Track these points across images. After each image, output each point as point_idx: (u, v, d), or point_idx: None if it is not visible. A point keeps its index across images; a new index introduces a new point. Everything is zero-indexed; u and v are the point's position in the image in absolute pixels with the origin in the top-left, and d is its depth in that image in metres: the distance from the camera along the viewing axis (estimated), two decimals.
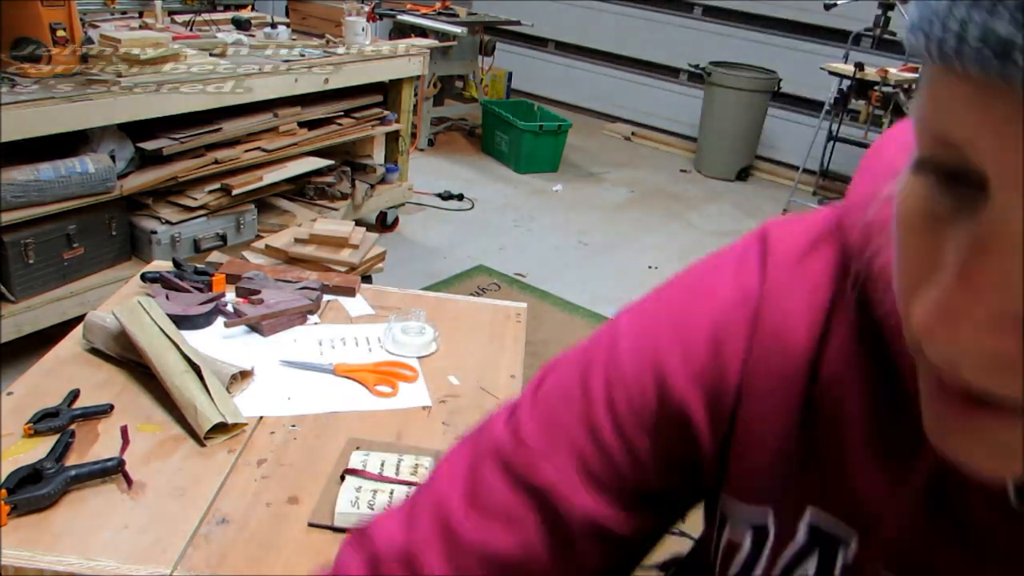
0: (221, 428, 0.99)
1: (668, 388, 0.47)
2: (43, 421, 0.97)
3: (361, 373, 1.16)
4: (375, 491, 0.88)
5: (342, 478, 0.90)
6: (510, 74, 5.82)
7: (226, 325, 1.22)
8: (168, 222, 2.64)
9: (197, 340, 1.16)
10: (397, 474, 0.91)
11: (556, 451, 0.49)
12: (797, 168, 4.62)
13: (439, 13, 4.67)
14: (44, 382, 1.06)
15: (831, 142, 4.33)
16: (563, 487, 0.48)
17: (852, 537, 0.44)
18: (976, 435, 0.32)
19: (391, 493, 0.88)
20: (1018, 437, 0.31)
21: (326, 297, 1.37)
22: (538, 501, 0.48)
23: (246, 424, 1.01)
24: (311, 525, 0.87)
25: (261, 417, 1.05)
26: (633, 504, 0.49)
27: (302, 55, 3.01)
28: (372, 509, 0.85)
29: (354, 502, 0.86)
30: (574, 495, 0.48)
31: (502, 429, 0.52)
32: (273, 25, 3.45)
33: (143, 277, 1.33)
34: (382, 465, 0.92)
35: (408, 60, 3.38)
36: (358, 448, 0.96)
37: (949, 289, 0.29)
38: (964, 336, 0.29)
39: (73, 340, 1.16)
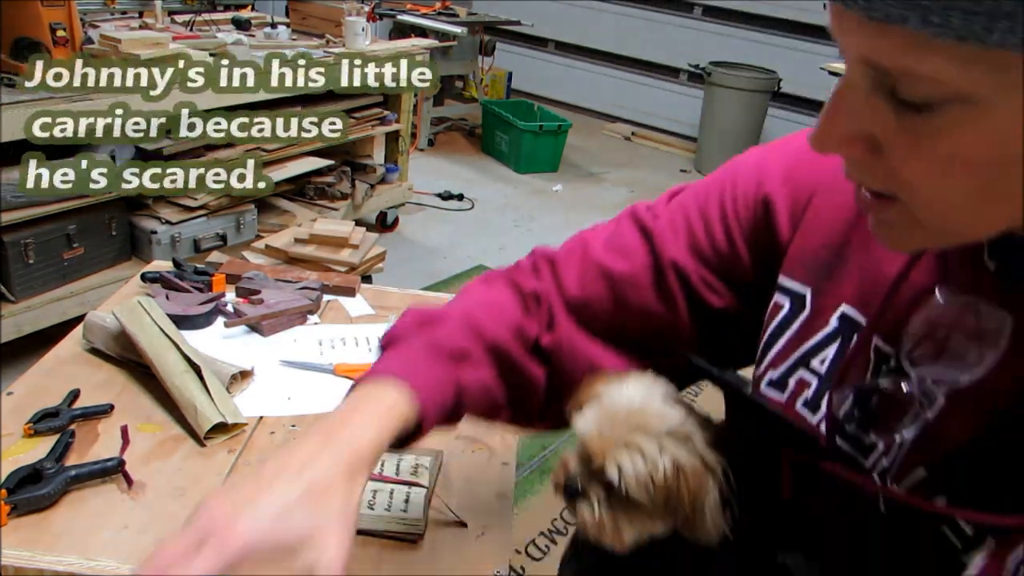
0: (221, 428, 0.99)
1: (764, 186, 0.67)
2: (43, 421, 0.97)
3: (361, 373, 1.16)
4: (375, 491, 0.88)
5: None
6: (510, 74, 5.82)
7: (226, 325, 1.22)
8: (168, 222, 2.64)
9: (197, 340, 1.16)
10: (397, 473, 0.91)
11: (674, 222, 0.71)
12: None
13: (439, 13, 4.67)
14: (44, 382, 1.06)
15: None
16: (668, 240, 0.71)
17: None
18: (877, 219, 0.49)
19: (391, 492, 0.88)
20: (896, 216, 0.47)
21: (326, 297, 1.37)
22: (649, 243, 0.71)
23: (246, 424, 1.01)
24: None
25: (261, 417, 1.05)
26: (714, 275, 0.70)
27: (302, 55, 3.00)
28: (372, 509, 0.85)
29: None
30: (674, 248, 0.70)
31: (642, 208, 0.75)
32: (273, 25, 3.45)
33: (143, 277, 1.33)
34: (382, 465, 0.92)
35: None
36: None
37: (822, 120, 0.47)
38: (825, 147, 0.47)
39: (73, 340, 1.16)
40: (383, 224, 3.65)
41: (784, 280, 0.65)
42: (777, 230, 0.66)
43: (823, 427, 0.59)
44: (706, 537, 0.61)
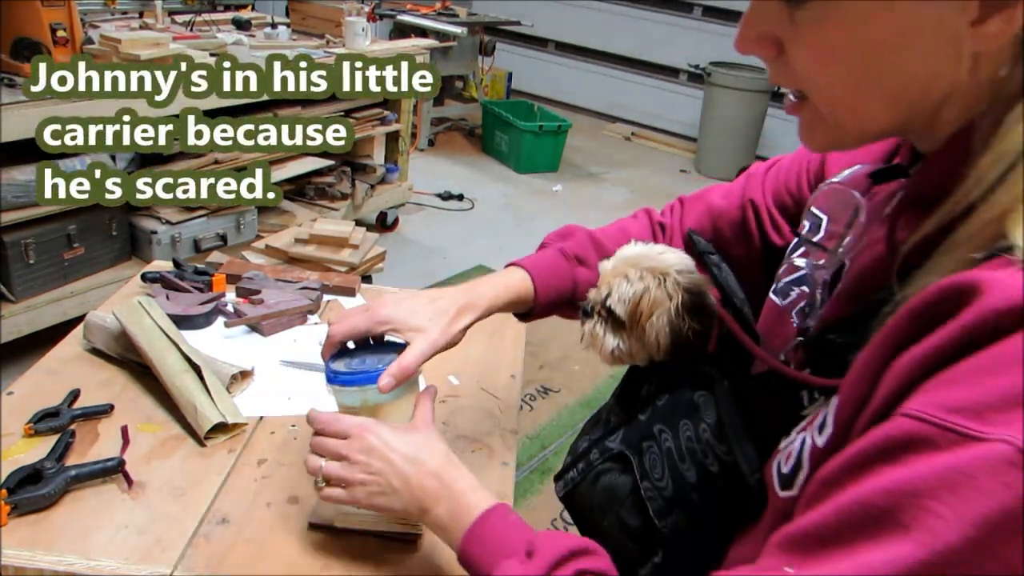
0: (221, 428, 0.99)
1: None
2: (43, 421, 0.97)
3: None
4: None
5: None
6: (510, 74, 5.82)
7: (226, 325, 1.23)
8: (168, 222, 2.64)
9: (197, 340, 1.16)
10: None
11: (767, 170, 0.93)
12: None
13: (439, 13, 4.67)
14: (44, 382, 1.06)
15: None
16: (755, 183, 0.93)
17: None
18: (800, 123, 0.60)
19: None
20: (807, 114, 0.59)
21: (326, 297, 1.38)
22: (744, 185, 0.94)
23: (246, 424, 1.01)
24: (311, 525, 0.87)
25: (261, 417, 1.05)
26: (782, 216, 0.90)
27: (303, 57, 3.00)
28: (357, 508, 0.84)
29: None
30: (757, 190, 0.92)
31: (755, 164, 0.96)
32: (273, 25, 3.45)
33: (143, 277, 1.33)
34: None
35: None
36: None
37: (740, 26, 0.57)
38: (744, 48, 0.58)
39: (73, 340, 1.16)
40: (383, 224, 3.65)
41: (811, 207, 0.78)
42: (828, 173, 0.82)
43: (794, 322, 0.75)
44: (651, 351, 0.82)
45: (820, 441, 0.55)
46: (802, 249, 0.75)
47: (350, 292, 1.39)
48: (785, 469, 0.59)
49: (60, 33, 2.32)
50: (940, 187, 0.54)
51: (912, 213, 0.60)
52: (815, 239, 0.71)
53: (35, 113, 2.13)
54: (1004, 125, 0.50)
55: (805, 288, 0.73)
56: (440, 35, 4.41)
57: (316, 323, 1.30)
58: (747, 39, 0.58)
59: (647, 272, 0.81)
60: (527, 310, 0.94)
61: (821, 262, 0.70)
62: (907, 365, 0.48)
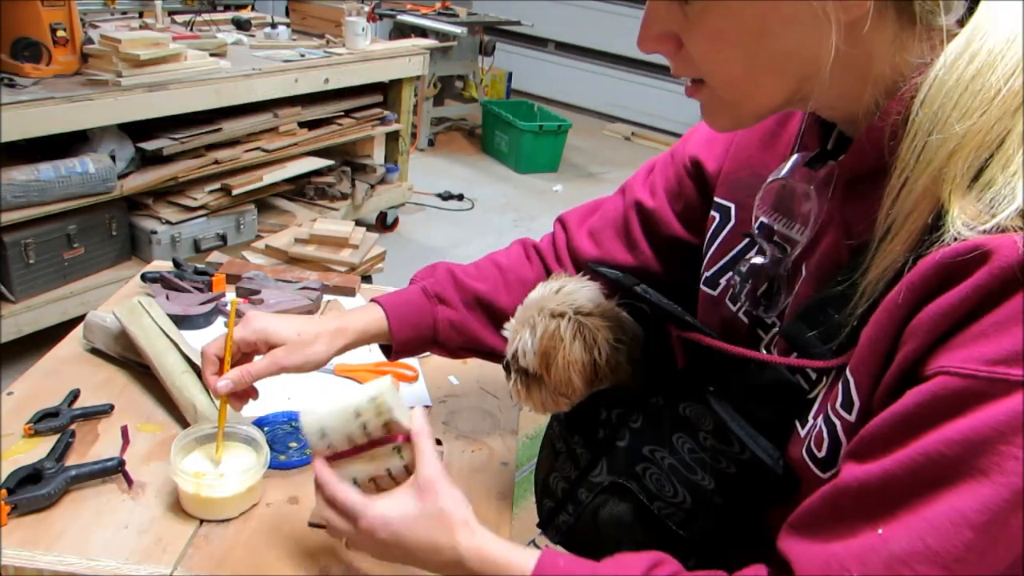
0: None
1: (688, 146, 0.90)
2: (43, 421, 0.97)
3: (361, 373, 1.16)
4: (354, 479, 0.84)
5: None
6: (510, 74, 5.82)
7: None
8: (168, 222, 2.64)
9: (197, 340, 1.16)
10: (370, 438, 0.83)
11: (642, 175, 0.96)
12: None
13: (439, 13, 4.67)
14: (44, 382, 1.06)
15: None
16: (636, 187, 0.95)
17: (787, 226, 0.72)
18: (702, 107, 0.66)
19: (374, 469, 0.84)
20: (706, 98, 0.65)
21: (326, 297, 1.37)
22: (622, 194, 0.97)
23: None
24: (311, 525, 0.86)
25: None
26: (669, 208, 0.92)
27: (302, 55, 3.01)
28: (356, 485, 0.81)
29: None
30: (639, 191, 0.94)
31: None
32: (273, 25, 3.45)
33: (143, 277, 1.33)
34: (346, 436, 0.84)
35: (408, 60, 3.38)
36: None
37: (640, 27, 0.63)
38: (646, 47, 0.64)
39: (73, 340, 1.16)
40: (383, 224, 3.65)
41: (717, 199, 0.84)
42: (706, 169, 0.87)
43: (741, 315, 0.78)
44: (569, 394, 0.80)
45: (851, 417, 0.59)
46: (757, 246, 0.76)
47: (350, 292, 1.39)
48: (821, 453, 0.62)
49: (60, 33, 2.32)
50: (872, 164, 0.61)
51: (851, 191, 0.66)
52: (776, 236, 0.73)
53: (35, 113, 2.13)
54: (912, 108, 0.56)
55: (735, 276, 0.77)
56: (440, 35, 4.41)
57: None
58: (648, 39, 0.63)
59: (548, 316, 0.80)
60: (388, 344, 0.96)
61: (783, 255, 0.72)
62: (927, 323, 0.52)
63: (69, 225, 2.39)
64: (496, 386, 1.17)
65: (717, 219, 0.83)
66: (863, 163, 0.63)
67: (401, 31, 4.52)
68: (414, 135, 4.57)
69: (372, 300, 0.96)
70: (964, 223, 0.52)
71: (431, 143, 4.92)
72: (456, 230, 3.82)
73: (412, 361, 1.21)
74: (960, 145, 0.53)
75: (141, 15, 3.25)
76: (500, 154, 4.84)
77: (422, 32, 4.39)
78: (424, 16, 4.55)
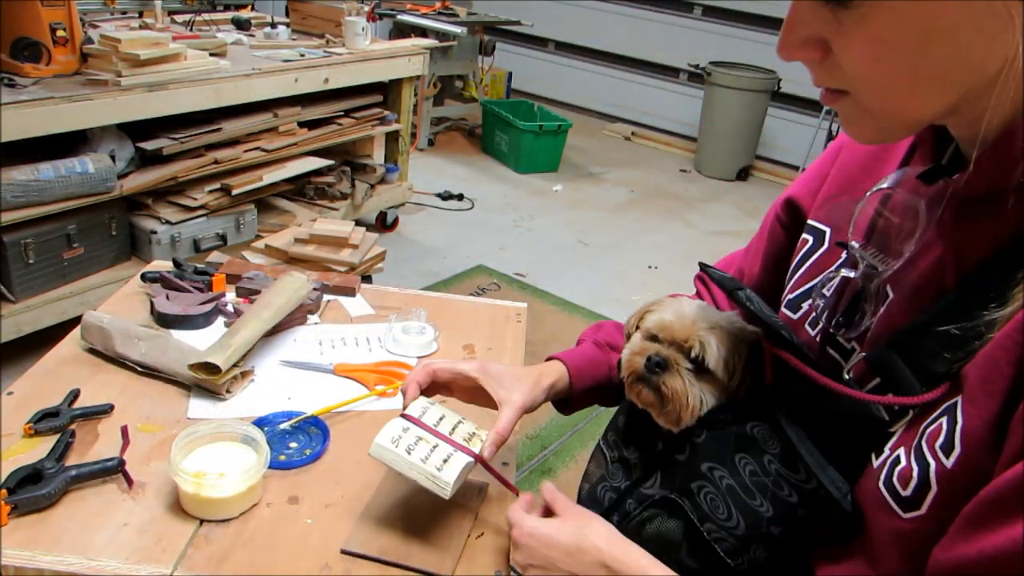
0: (216, 372, 1.03)
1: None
2: (43, 421, 0.97)
3: (361, 373, 1.16)
4: (419, 438, 0.84)
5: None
6: (510, 74, 5.82)
7: (226, 325, 1.22)
8: (168, 222, 2.64)
9: (197, 340, 1.16)
10: (451, 434, 0.87)
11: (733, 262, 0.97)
12: (797, 168, 4.61)
13: (439, 13, 4.67)
14: (44, 382, 1.06)
15: (831, 142, 4.33)
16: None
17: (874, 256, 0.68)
18: (842, 118, 0.61)
19: (434, 447, 0.84)
20: (850, 108, 0.59)
21: (326, 297, 1.37)
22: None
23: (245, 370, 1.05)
24: (344, 552, 0.84)
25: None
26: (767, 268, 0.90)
27: (302, 55, 3.01)
28: (409, 454, 0.82)
29: (395, 440, 0.83)
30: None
31: None
32: (273, 25, 3.45)
33: (143, 277, 1.33)
34: (440, 419, 0.89)
35: (408, 60, 3.38)
36: (424, 395, 0.93)
37: (782, 32, 0.58)
38: (789, 54, 0.59)
39: (73, 340, 1.16)
40: (383, 224, 3.65)
41: (811, 221, 0.80)
42: (801, 204, 0.85)
43: (818, 338, 0.74)
44: (727, 395, 0.79)
45: (948, 463, 0.55)
46: (844, 257, 0.73)
47: (350, 292, 1.39)
48: (906, 492, 0.58)
49: (60, 33, 2.32)
50: (992, 185, 0.56)
51: (965, 212, 0.60)
52: (871, 251, 0.68)
53: (35, 113, 2.13)
54: None
55: (820, 299, 0.74)
56: (440, 35, 4.41)
57: (316, 323, 1.29)
58: (792, 44, 0.58)
59: (720, 330, 0.80)
60: (567, 398, 0.98)
61: (880, 269, 0.67)
62: None
63: (69, 225, 2.39)
64: None
65: (810, 242, 0.79)
66: (989, 180, 0.58)
67: (401, 31, 4.52)
68: (414, 135, 4.57)
69: (551, 358, 0.99)
70: None
71: (431, 143, 4.92)
72: (456, 230, 3.82)
73: (412, 360, 1.21)
74: None
75: (141, 15, 3.25)
76: (500, 154, 4.84)
77: (422, 32, 4.39)
78: (424, 16, 4.55)
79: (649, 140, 5.69)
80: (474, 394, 0.93)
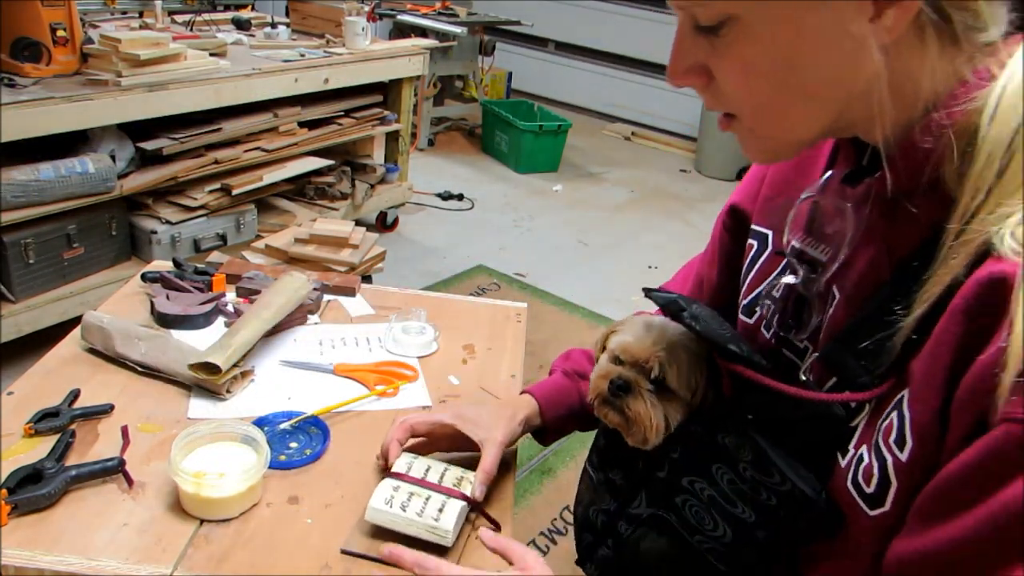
0: (216, 372, 1.03)
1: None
2: (43, 421, 0.97)
3: (361, 373, 1.16)
4: (411, 493, 0.86)
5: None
6: (510, 74, 5.82)
7: (227, 325, 1.22)
8: (168, 222, 2.64)
9: (197, 340, 1.16)
10: (440, 482, 0.89)
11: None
12: None
13: (439, 13, 4.67)
14: (44, 382, 1.06)
15: None
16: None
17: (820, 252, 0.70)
18: (738, 140, 0.64)
19: (427, 499, 0.86)
20: (740, 130, 0.63)
21: (326, 297, 1.37)
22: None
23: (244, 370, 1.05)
24: (344, 552, 0.84)
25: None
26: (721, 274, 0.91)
27: (302, 55, 3.01)
28: (404, 511, 0.84)
29: (388, 500, 0.85)
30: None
31: None
32: (273, 25, 3.45)
33: (143, 277, 1.33)
34: (427, 471, 0.91)
35: (408, 60, 3.38)
36: (407, 451, 0.94)
37: (669, 61, 0.61)
38: (676, 81, 0.62)
39: (73, 340, 1.16)
40: (383, 224, 3.65)
41: (754, 226, 0.83)
42: (743, 209, 0.87)
43: (772, 340, 0.77)
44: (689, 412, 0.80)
45: (903, 456, 0.57)
46: (783, 264, 0.75)
47: (350, 292, 1.39)
48: (870, 489, 0.59)
49: (60, 33, 2.32)
50: (907, 185, 0.59)
51: (891, 209, 0.63)
52: (807, 256, 0.71)
53: (35, 113, 2.13)
54: (981, 129, 0.53)
55: (769, 303, 0.76)
56: (440, 35, 4.41)
57: (316, 323, 1.30)
58: (677, 72, 0.62)
59: (677, 345, 0.81)
60: (541, 428, 1.01)
61: (815, 274, 0.70)
62: (988, 366, 0.50)
63: (69, 225, 2.39)
64: (496, 386, 1.17)
65: (755, 247, 0.82)
66: (904, 179, 0.60)
67: (401, 31, 4.52)
68: (414, 135, 4.57)
69: (524, 391, 1.02)
70: (1011, 246, 0.50)
71: (431, 143, 4.92)
72: (456, 230, 3.82)
73: (412, 361, 1.21)
74: None
75: (141, 15, 3.25)
76: (500, 154, 4.84)
77: (422, 32, 4.39)
78: (424, 16, 4.55)
79: (649, 140, 5.69)
80: (455, 441, 0.95)
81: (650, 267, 3.61)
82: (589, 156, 5.17)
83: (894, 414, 0.58)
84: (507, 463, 1.01)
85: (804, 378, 0.70)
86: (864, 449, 0.61)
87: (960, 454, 0.51)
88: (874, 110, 0.57)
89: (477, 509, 0.90)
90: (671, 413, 0.79)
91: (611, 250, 3.78)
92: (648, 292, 0.83)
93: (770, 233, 0.80)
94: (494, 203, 4.20)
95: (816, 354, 0.69)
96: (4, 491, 0.83)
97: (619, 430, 0.82)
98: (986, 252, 0.52)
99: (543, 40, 6.17)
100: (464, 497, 0.87)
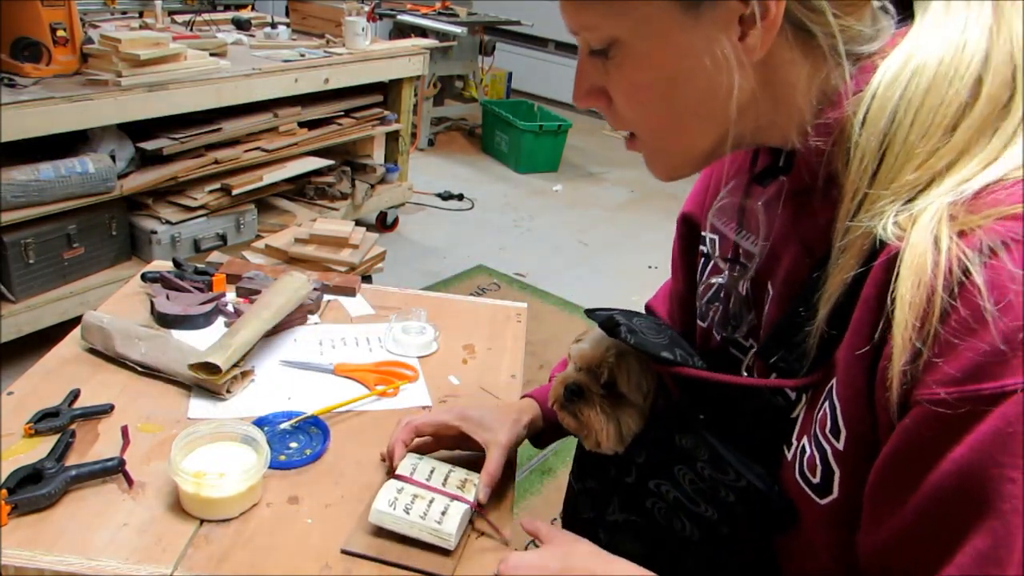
0: (216, 372, 1.03)
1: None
2: (43, 421, 0.97)
3: (361, 373, 1.16)
4: (415, 496, 0.86)
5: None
6: (510, 74, 5.82)
7: (227, 325, 1.22)
8: (168, 222, 2.64)
9: (197, 340, 1.16)
10: (444, 485, 0.89)
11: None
12: None
13: (439, 13, 4.67)
14: (44, 382, 1.06)
15: None
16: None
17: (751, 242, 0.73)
18: (641, 154, 0.67)
19: (431, 502, 0.86)
20: (641, 148, 0.67)
21: (326, 297, 1.37)
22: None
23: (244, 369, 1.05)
24: (345, 552, 0.84)
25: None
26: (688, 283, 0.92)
27: (302, 55, 3.01)
28: (408, 514, 0.83)
29: (392, 503, 0.85)
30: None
31: None
32: (273, 25, 3.45)
33: (143, 277, 1.33)
34: (431, 473, 0.91)
35: (408, 60, 3.38)
36: (412, 452, 0.94)
37: (574, 85, 0.64)
38: (579, 103, 0.65)
39: (73, 340, 1.16)
40: (383, 224, 3.65)
41: (704, 233, 0.84)
42: (695, 217, 0.89)
43: (720, 340, 0.78)
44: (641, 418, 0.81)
45: (840, 445, 0.58)
46: (712, 266, 0.77)
47: (350, 292, 1.39)
48: (816, 479, 0.61)
49: (60, 33, 2.32)
50: (810, 181, 0.61)
51: (800, 206, 0.65)
52: (730, 254, 0.73)
53: (35, 113, 2.13)
54: (853, 135, 0.55)
55: (717, 305, 0.78)
56: (440, 35, 4.41)
57: (316, 323, 1.30)
58: (580, 94, 0.65)
59: (628, 351, 0.82)
60: (540, 431, 1.01)
61: (741, 273, 0.72)
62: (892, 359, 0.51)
63: (69, 225, 2.39)
64: (496, 386, 1.17)
65: (705, 252, 0.84)
66: (805, 178, 0.63)
67: (401, 31, 4.52)
68: (414, 135, 4.57)
69: (525, 396, 1.03)
70: (894, 232, 0.52)
71: (431, 143, 4.92)
72: (456, 230, 3.82)
73: (412, 361, 1.21)
74: (924, 162, 0.52)
75: (141, 15, 3.25)
76: (500, 154, 4.84)
77: (422, 32, 4.39)
78: (424, 16, 4.55)
79: None
80: (459, 441, 0.95)
81: (650, 267, 3.61)
82: (589, 156, 5.17)
83: (826, 404, 0.59)
84: (509, 464, 1.01)
85: (745, 374, 0.73)
86: (805, 440, 0.62)
87: (888, 441, 0.52)
88: (762, 120, 0.61)
89: (480, 512, 0.90)
90: (624, 418, 0.81)
91: (611, 250, 3.78)
92: (589, 312, 0.84)
93: (717, 238, 0.82)
94: (494, 203, 4.20)
95: (754, 350, 0.72)
96: (4, 491, 0.83)
97: (576, 435, 0.84)
98: (879, 244, 0.53)
99: (543, 40, 6.17)
100: (468, 501, 0.87)
